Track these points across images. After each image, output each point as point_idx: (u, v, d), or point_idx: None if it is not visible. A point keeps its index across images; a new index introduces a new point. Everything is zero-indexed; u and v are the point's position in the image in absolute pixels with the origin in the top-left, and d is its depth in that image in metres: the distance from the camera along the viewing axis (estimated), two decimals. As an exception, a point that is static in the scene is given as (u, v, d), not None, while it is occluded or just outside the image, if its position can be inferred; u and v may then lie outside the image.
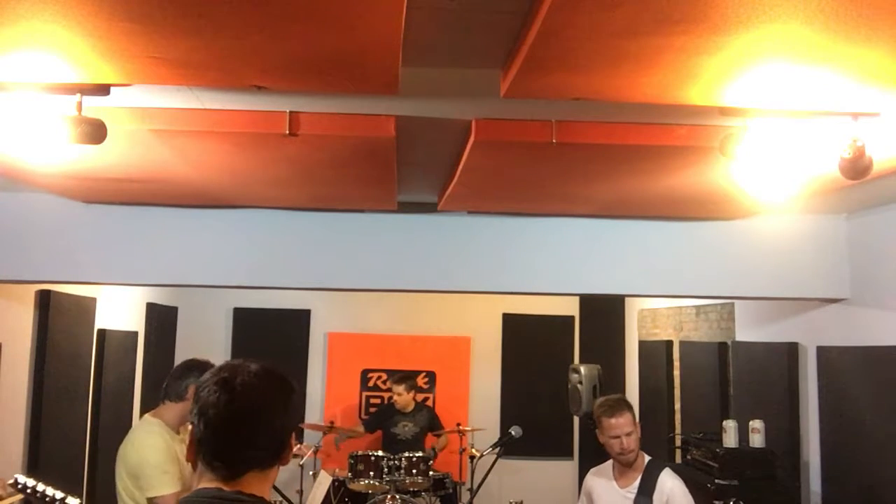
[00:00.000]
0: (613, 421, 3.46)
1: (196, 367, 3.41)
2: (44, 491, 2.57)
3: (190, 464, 1.54)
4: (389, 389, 7.21)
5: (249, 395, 1.50)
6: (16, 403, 4.69)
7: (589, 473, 3.74)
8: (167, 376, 3.46)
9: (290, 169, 3.40)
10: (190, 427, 1.52)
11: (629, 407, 3.52)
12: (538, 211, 4.42)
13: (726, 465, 4.55)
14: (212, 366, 3.63)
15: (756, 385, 5.17)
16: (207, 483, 1.48)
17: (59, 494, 2.58)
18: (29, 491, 2.59)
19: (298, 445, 6.32)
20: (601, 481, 3.61)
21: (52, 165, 2.93)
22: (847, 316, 4.41)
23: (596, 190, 3.76)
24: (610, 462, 3.60)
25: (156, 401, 3.49)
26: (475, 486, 5.45)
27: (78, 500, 2.63)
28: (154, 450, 3.22)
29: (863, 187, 3.42)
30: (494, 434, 7.05)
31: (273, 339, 7.68)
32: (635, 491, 3.42)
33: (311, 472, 6.40)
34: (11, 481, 2.63)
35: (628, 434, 3.44)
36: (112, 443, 5.82)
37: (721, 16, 1.70)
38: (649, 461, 3.51)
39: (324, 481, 5.82)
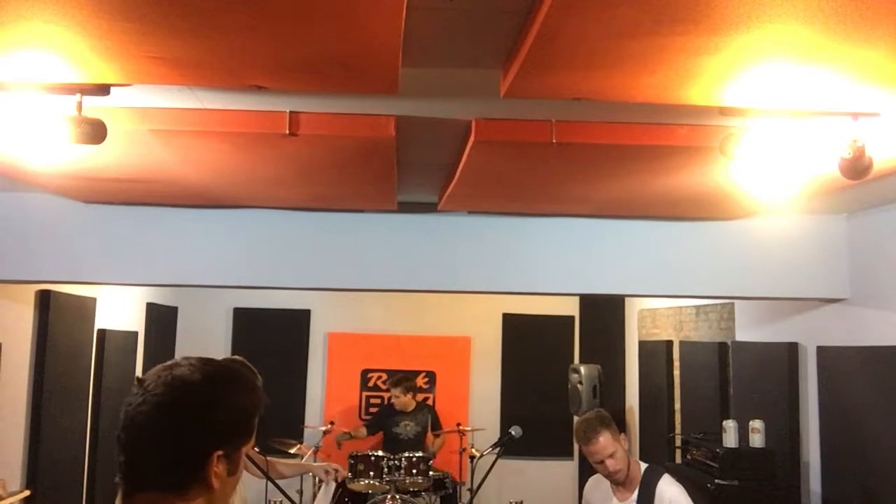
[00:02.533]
0: (591, 448, 3.24)
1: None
2: None
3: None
4: (389, 390, 7.21)
5: (154, 405, 1.30)
6: (16, 403, 4.69)
7: (589, 481, 3.60)
8: None
9: (290, 169, 3.40)
10: None
11: (605, 425, 3.26)
12: (538, 211, 4.41)
13: (726, 465, 4.55)
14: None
15: (756, 385, 5.17)
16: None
17: None
18: None
19: (298, 445, 6.33)
20: (600, 493, 3.46)
21: (52, 165, 2.93)
22: (847, 316, 4.41)
23: (596, 190, 3.76)
24: None
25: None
26: (475, 486, 5.43)
27: (28, 492, 2.56)
28: None
29: (863, 187, 3.42)
30: (494, 434, 7.05)
31: (273, 339, 7.68)
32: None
33: (311, 473, 6.40)
34: None
35: (611, 455, 3.22)
36: (112, 443, 5.83)
37: (721, 16, 1.70)
38: (646, 469, 3.33)
39: (329, 486, 5.80)
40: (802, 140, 2.58)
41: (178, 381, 1.32)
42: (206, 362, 1.38)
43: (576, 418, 7.30)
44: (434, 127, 2.93)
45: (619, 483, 3.31)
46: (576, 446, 7.80)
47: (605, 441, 3.21)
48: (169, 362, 1.36)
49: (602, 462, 3.24)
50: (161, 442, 1.29)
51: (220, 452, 1.31)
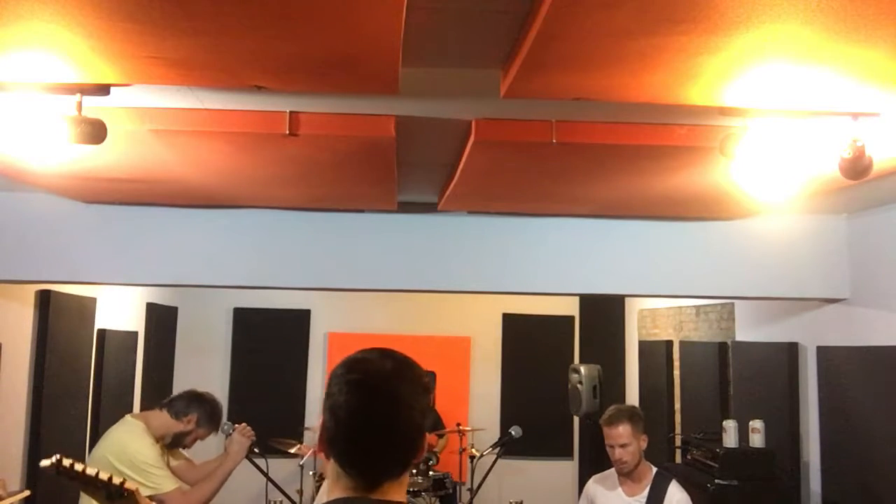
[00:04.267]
0: (608, 430, 3.48)
1: (209, 404, 3.53)
2: (97, 475, 2.44)
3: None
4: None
5: (386, 399, 1.39)
6: (16, 403, 4.69)
7: (591, 479, 3.72)
8: (182, 393, 3.51)
9: (290, 169, 3.40)
10: (320, 420, 1.46)
11: (629, 418, 3.49)
12: (538, 211, 4.41)
13: (726, 465, 4.55)
14: (220, 414, 3.64)
15: (756, 385, 5.17)
16: (343, 492, 1.39)
17: (116, 479, 2.47)
18: (74, 475, 2.44)
19: (298, 446, 6.33)
20: (606, 489, 3.59)
21: (52, 165, 2.93)
22: (847, 316, 4.41)
23: (596, 190, 3.76)
24: (614, 469, 3.59)
25: (129, 404, 3.49)
26: (475, 486, 5.45)
27: (28, 492, 2.54)
28: (151, 448, 3.22)
29: (863, 187, 3.42)
30: (494, 434, 7.05)
31: (273, 339, 7.69)
32: (643, 500, 3.42)
33: (311, 472, 6.40)
34: (52, 461, 2.45)
35: (622, 446, 3.44)
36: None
37: (721, 16, 1.70)
38: (657, 473, 3.51)
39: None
40: (802, 140, 2.57)
41: (400, 377, 1.43)
42: (393, 352, 1.51)
43: (576, 418, 7.31)
44: (434, 127, 2.93)
45: (622, 474, 3.50)
46: (576, 446, 7.81)
47: (623, 431, 3.45)
48: (367, 357, 1.47)
49: (613, 448, 3.47)
50: (405, 435, 1.40)
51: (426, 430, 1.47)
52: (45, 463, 2.40)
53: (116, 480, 2.41)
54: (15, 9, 1.71)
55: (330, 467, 1.42)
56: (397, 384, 1.42)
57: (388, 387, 1.40)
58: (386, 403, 1.39)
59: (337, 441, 1.39)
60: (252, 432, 3.45)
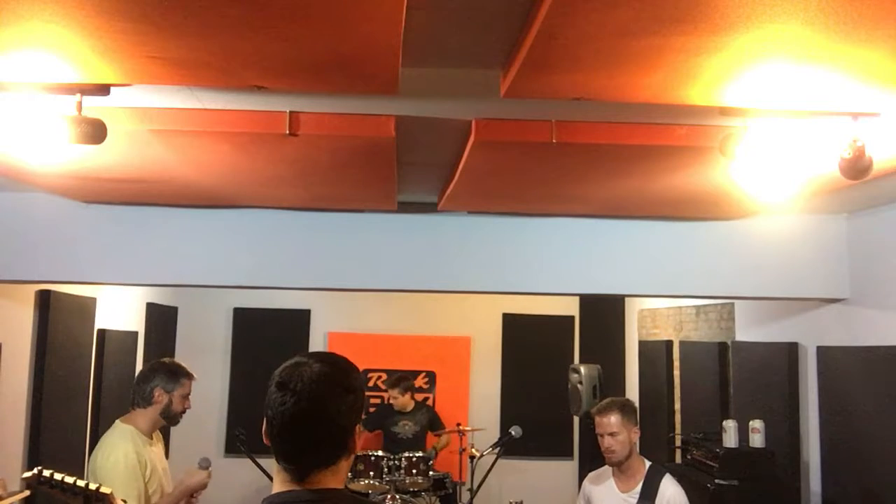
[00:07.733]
0: (599, 419, 3.54)
1: (160, 368, 3.36)
2: (74, 482, 2.47)
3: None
4: (387, 390, 7.19)
5: (307, 400, 1.55)
6: (16, 403, 4.69)
7: (587, 478, 3.76)
8: (133, 385, 3.40)
9: (290, 169, 3.40)
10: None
11: (620, 408, 3.54)
12: (538, 211, 4.42)
13: (726, 465, 4.55)
14: (177, 366, 3.51)
15: (756, 385, 5.17)
16: (282, 485, 1.58)
17: (92, 485, 2.49)
18: (54, 484, 2.47)
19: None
20: (600, 485, 3.62)
21: (52, 165, 2.93)
22: (847, 316, 4.41)
23: (596, 190, 3.76)
24: (608, 466, 3.61)
25: (129, 404, 3.38)
26: (475, 486, 5.45)
27: (28, 492, 2.55)
28: (128, 456, 3.12)
29: (863, 187, 3.43)
30: (494, 434, 7.05)
31: (273, 339, 7.68)
32: (637, 496, 3.44)
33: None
34: (31, 473, 2.49)
35: (612, 434, 3.48)
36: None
37: (721, 16, 1.70)
38: (650, 466, 3.53)
39: None
40: (802, 140, 2.58)
41: (324, 377, 1.57)
42: (327, 356, 1.65)
43: (576, 418, 7.31)
44: (434, 127, 2.93)
45: (612, 464, 3.55)
46: (576, 446, 7.81)
47: (614, 420, 3.49)
48: (298, 361, 1.60)
49: (602, 437, 3.52)
50: (329, 428, 1.56)
51: (359, 425, 1.63)
52: (26, 475, 2.46)
53: (93, 486, 2.44)
54: (15, 9, 1.71)
55: (274, 462, 1.60)
56: (322, 389, 1.56)
57: (314, 392, 1.55)
58: (310, 407, 1.55)
59: (273, 439, 1.57)
60: (206, 483, 3.32)
